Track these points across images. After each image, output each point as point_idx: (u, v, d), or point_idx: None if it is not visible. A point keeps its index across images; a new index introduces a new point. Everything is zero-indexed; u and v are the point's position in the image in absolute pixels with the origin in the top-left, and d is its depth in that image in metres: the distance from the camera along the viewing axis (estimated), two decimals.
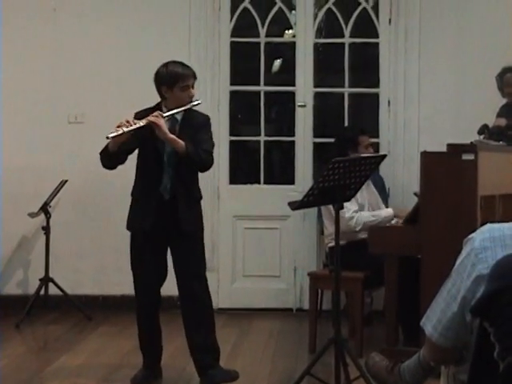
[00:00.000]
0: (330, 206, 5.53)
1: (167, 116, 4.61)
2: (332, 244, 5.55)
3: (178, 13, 6.92)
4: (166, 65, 4.74)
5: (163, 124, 4.53)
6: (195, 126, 4.72)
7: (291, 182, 7.07)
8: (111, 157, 4.58)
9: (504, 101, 6.17)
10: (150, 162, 4.68)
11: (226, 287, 6.99)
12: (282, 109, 7.51)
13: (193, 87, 4.71)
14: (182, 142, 4.55)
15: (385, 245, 5.08)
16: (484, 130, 5.64)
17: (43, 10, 6.91)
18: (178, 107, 4.64)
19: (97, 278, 6.96)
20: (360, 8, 7.02)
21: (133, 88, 6.87)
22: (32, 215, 6.52)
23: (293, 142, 7.10)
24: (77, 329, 6.28)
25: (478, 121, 5.77)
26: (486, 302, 2.02)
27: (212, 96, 6.93)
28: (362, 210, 5.84)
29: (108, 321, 6.51)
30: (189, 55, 6.81)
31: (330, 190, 4.35)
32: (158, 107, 4.72)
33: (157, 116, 4.53)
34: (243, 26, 7.14)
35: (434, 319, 2.48)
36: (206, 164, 4.73)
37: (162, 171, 4.66)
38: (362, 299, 5.62)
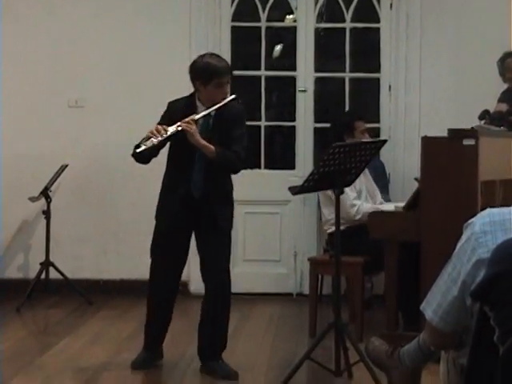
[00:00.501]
0: (328, 192, 5.54)
1: (200, 118, 4.56)
2: (331, 230, 5.57)
3: None
4: (202, 57, 4.67)
5: (195, 131, 4.48)
6: (229, 119, 4.65)
7: (292, 166, 7.06)
8: (144, 156, 4.55)
9: (505, 86, 6.16)
10: (182, 155, 4.63)
11: None
12: (283, 94, 7.50)
13: (228, 83, 4.65)
14: (212, 148, 4.50)
15: (385, 230, 5.09)
16: (485, 115, 5.63)
17: None
18: (210, 102, 4.57)
19: (97, 262, 6.97)
20: None
21: (133, 73, 6.87)
22: (32, 199, 6.52)
23: (293, 127, 7.09)
24: (77, 313, 6.29)
25: (479, 106, 5.75)
26: (487, 286, 2.02)
27: None
28: (360, 197, 5.85)
29: (108, 305, 6.52)
30: (189, 40, 6.81)
31: (331, 175, 4.35)
32: (192, 98, 4.68)
33: (189, 122, 4.47)
34: (244, 10, 7.12)
35: (435, 303, 2.48)
36: (236, 169, 4.71)
37: (193, 166, 4.62)
38: (362, 284, 5.64)
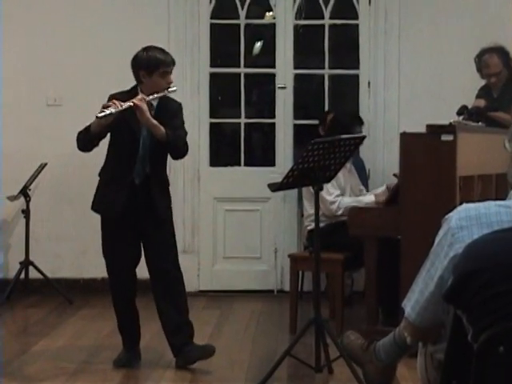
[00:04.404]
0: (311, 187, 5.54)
1: (149, 100, 4.60)
2: (311, 227, 5.57)
3: None
4: (145, 49, 4.72)
5: (146, 109, 4.54)
6: (170, 112, 4.72)
7: (272, 163, 7.06)
8: (91, 139, 4.59)
9: (483, 82, 6.19)
10: (125, 145, 4.67)
11: (206, 269, 7.00)
12: (263, 91, 7.50)
13: (171, 73, 4.71)
14: (163, 129, 4.55)
15: (364, 226, 5.10)
16: (463, 110, 5.66)
17: None
18: (154, 92, 4.62)
19: (77, 261, 6.94)
20: None
21: (111, 70, 6.83)
22: (11, 198, 6.49)
23: (273, 123, 7.09)
24: (57, 312, 6.26)
25: (457, 102, 5.79)
26: (456, 288, 2.04)
27: (192, 78, 6.91)
28: (344, 194, 5.84)
29: (88, 304, 6.50)
30: (168, 37, 6.79)
31: (310, 172, 4.35)
32: (134, 91, 4.71)
33: (140, 100, 4.53)
34: (223, 7, 7.11)
35: (413, 300, 2.49)
36: (183, 152, 4.77)
37: (136, 155, 4.66)
38: (343, 280, 5.64)
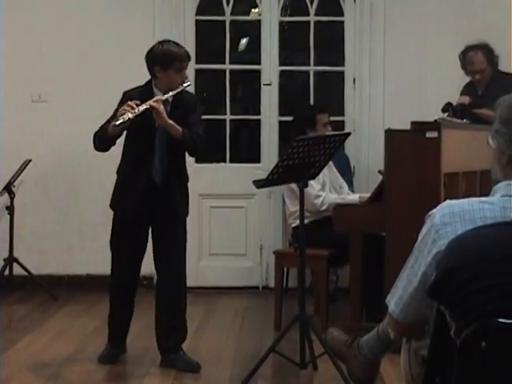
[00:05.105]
0: (292, 185, 5.55)
1: (166, 99, 4.56)
2: (295, 224, 5.57)
3: None
4: (161, 43, 4.67)
5: (163, 110, 4.48)
6: (186, 106, 4.68)
7: (257, 160, 7.06)
8: (109, 140, 4.55)
9: (468, 79, 6.21)
10: (141, 142, 4.62)
11: (192, 266, 6.94)
12: (248, 87, 7.50)
13: (186, 68, 4.68)
14: (179, 129, 4.50)
15: (349, 223, 5.11)
16: (448, 107, 5.68)
17: None
18: (169, 88, 4.57)
19: (62, 257, 6.92)
20: None
21: (96, 67, 6.83)
22: None
23: (258, 120, 7.09)
24: (42, 308, 6.25)
25: (442, 99, 5.80)
26: (440, 283, 2.05)
27: None
28: (324, 189, 5.86)
29: (73, 300, 6.49)
30: (153, 33, 6.77)
31: (295, 168, 4.36)
32: (148, 86, 4.67)
33: (157, 101, 4.47)
34: (208, 4, 7.10)
35: (397, 296, 2.50)
36: (200, 150, 4.73)
37: (154, 153, 4.61)
38: (327, 277, 5.65)
